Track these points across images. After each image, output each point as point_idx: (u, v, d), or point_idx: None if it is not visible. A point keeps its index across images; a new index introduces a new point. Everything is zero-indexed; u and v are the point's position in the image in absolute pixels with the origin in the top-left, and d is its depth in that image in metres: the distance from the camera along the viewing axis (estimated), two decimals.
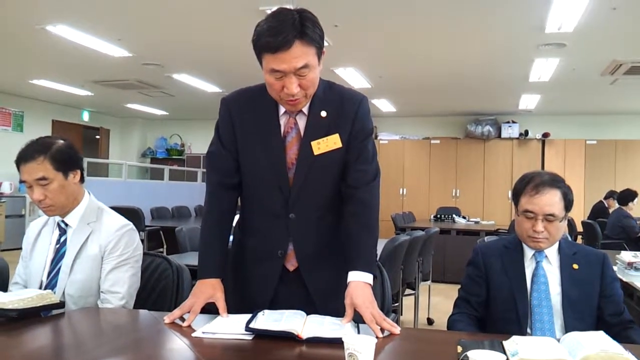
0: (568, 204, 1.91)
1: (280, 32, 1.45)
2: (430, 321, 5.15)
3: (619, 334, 1.72)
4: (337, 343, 1.31)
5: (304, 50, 1.48)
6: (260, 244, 1.72)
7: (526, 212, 1.91)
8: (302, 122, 1.67)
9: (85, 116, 11.99)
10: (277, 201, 1.67)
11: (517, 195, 1.97)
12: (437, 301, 5.72)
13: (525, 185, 1.94)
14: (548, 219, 1.88)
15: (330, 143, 1.65)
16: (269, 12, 1.54)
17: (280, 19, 1.48)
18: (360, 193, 1.67)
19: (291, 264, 1.70)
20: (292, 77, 1.50)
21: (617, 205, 7.25)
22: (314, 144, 1.64)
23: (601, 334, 1.39)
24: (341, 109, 1.67)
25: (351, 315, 1.53)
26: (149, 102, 10.62)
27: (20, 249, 2.10)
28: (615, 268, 2.43)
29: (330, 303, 1.65)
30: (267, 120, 1.67)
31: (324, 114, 1.66)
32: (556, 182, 1.92)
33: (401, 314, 4.25)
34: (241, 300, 1.72)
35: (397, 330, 1.49)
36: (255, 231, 1.74)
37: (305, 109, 1.66)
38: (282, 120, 1.67)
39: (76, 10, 5.25)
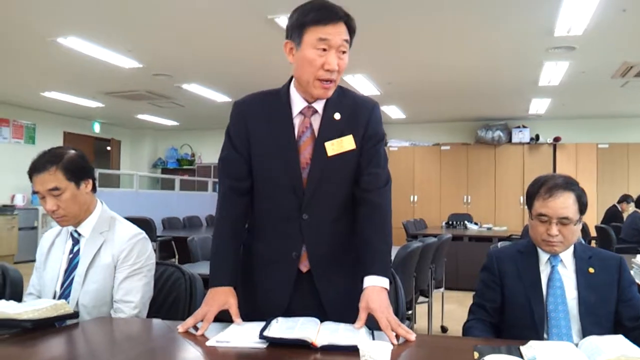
0: (582, 207, 1.89)
1: (332, 9, 1.59)
2: (444, 329, 5.10)
3: (638, 338, 1.69)
4: (352, 350, 1.30)
5: (346, 33, 1.60)
6: (274, 247, 1.70)
7: (540, 216, 1.89)
8: (316, 123, 1.68)
9: (97, 127, 12.09)
10: (291, 203, 1.66)
11: (530, 198, 1.95)
12: (451, 309, 5.67)
13: (538, 189, 1.92)
14: (562, 222, 1.85)
15: (344, 144, 1.66)
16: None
17: (329, 4, 1.60)
18: (372, 196, 1.67)
19: (304, 265, 1.69)
20: (335, 53, 1.58)
21: (631, 209, 7.18)
22: (327, 144, 1.65)
23: (620, 338, 1.36)
24: (354, 112, 1.69)
25: (364, 319, 1.52)
26: (159, 113, 10.69)
27: (34, 260, 2.10)
28: (631, 272, 2.39)
29: (341, 308, 1.63)
30: (281, 121, 1.67)
31: (337, 116, 1.67)
32: (570, 184, 1.90)
33: (415, 322, 4.22)
34: (255, 307, 1.70)
35: (412, 336, 1.48)
36: (269, 235, 1.72)
37: (319, 110, 1.68)
38: (297, 121, 1.68)
39: (87, 22, 5.31)
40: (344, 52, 1.60)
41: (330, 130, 1.66)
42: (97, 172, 6.70)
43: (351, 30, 1.61)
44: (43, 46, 6.07)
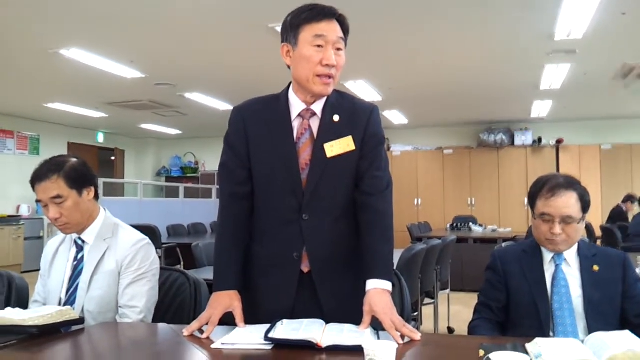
0: (585, 206, 1.89)
1: (324, 7, 1.62)
2: (450, 330, 5.09)
3: None
4: (357, 351, 1.30)
5: (340, 31, 1.64)
6: (276, 249, 1.70)
7: (543, 215, 1.88)
8: (315, 125, 1.69)
9: (100, 137, 12.13)
10: (291, 204, 1.66)
11: (533, 198, 1.95)
12: (457, 310, 5.65)
13: (540, 188, 1.92)
14: (565, 221, 1.85)
15: (343, 145, 1.66)
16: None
17: (320, 4, 1.62)
18: (375, 201, 1.67)
19: (305, 266, 1.69)
20: (331, 48, 1.61)
21: (636, 210, 7.15)
22: (327, 146, 1.65)
23: (627, 333, 1.36)
24: (353, 115, 1.70)
25: (368, 322, 1.52)
26: (163, 122, 10.72)
27: (40, 270, 2.11)
28: (637, 270, 2.38)
29: (340, 315, 1.62)
30: (280, 123, 1.68)
31: (336, 118, 1.68)
32: (572, 184, 1.90)
33: (421, 323, 4.20)
34: (260, 309, 1.70)
35: (417, 336, 1.48)
36: (270, 236, 1.72)
37: (318, 112, 1.69)
38: (296, 123, 1.69)
39: (89, 33, 5.34)
40: (340, 50, 1.63)
41: (329, 132, 1.67)
42: (102, 181, 6.72)
43: (345, 30, 1.65)
44: (45, 58, 6.10)
